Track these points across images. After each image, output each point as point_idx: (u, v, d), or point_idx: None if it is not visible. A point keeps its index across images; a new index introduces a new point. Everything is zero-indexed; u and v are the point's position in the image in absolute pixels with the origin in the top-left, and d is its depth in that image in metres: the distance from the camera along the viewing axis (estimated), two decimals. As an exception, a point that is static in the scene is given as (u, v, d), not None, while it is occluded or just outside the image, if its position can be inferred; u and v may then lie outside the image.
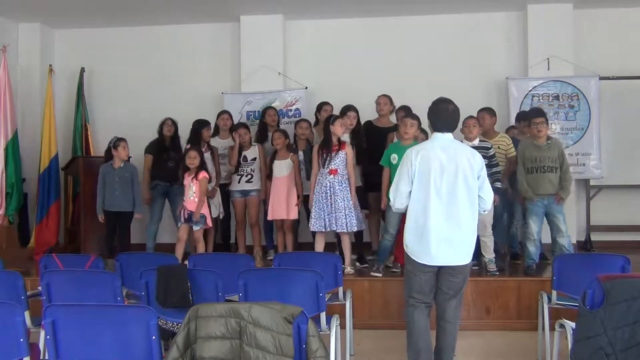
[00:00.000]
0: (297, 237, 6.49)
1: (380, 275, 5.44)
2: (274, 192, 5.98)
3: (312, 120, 6.86)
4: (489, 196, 3.71)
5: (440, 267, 3.65)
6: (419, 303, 3.72)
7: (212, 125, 6.76)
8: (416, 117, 5.45)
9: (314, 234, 5.73)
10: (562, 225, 5.44)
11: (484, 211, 3.78)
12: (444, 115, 3.74)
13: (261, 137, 6.69)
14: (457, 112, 3.77)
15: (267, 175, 6.09)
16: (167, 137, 6.66)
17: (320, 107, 6.70)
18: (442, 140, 3.71)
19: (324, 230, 5.54)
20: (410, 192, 3.66)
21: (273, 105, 7.34)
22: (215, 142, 6.71)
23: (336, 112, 6.33)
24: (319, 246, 5.62)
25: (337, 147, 5.54)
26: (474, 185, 3.63)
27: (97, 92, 8.19)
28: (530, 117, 5.73)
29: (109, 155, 6.34)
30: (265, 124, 6.76)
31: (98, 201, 6.26)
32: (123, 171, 6.27)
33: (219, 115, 6.88)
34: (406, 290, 3.79)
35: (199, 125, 6.47)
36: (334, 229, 5.50)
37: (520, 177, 5.55)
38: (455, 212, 3.58)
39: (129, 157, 6.54)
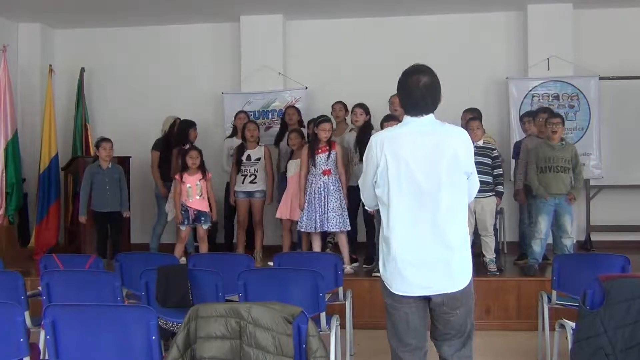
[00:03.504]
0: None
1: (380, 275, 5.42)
2: (287, 192, 6.00)
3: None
4: (475, 190, 2.84)
5: (430, 298, 2.66)
6: (408, 355, 2.73)
7: (228, 126, 6.83)
8: (397, 118, 5.48)
9: (308, 234, 5.77)
10: (568, 226, 5.48)
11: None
12: (415, 92, 2.67)
13: (280, 137, 6.70)
14: (435, 86, 2.69)
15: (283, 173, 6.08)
16: (174, 135, 6.67)
17: (332, 107, 6.65)
18: (418, 125, 2.70)
19: (314, 230, 5.56)
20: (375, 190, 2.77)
21: (279, 103, 7.36)
22: (232, 142, 6.72)
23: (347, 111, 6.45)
24: (316, 246, 5.64)
25: (327, 148, 5.56)
26: (464, 181, 2.71)
27: (97, 92, 8.18)
28: (545, 116, 5.82)
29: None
30: (285, 123, 6.75)
31: (82, 201, 6.25)
32: (112, 172, 6.29)
33: (235, 115, 6.93)
34: (389, 331, 2.78)
35: (186, 125, 6.50)
36: (326, 229, 5.51)
37: (532, 175, 5.57)
38: (442, 222, 2.61)
39: (113, 158, 6.52)
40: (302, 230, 5.69)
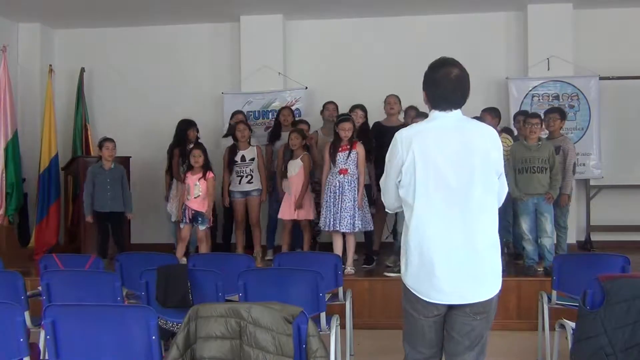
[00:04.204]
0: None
1: (394, 275, 5.39)
2: (287, 192, 5.98)
3: (317, 119, 6.89)
4: (504, 193, 2.69)
5: (451, 305, 2.54)
6: None
7: (226, 126, 6.85)
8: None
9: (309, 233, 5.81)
10: (547, 226, 5.49)
11: None
12: (444, 85, 2.55)
13: (273, 136, 6.71)
14: (466, 79, 2.57)
15: (281, 175, 6.05)
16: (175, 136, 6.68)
17: (324, 106, 6.73)
18: (446, 120, 2.57)
19: (327, 229, 5.57)
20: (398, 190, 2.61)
21: (279, 103, 7.37)
22: (228, 142, 6.73)
23: (339, 111, 6.43)
24: (337, 245, 5.60)
25: (348, 147, 5.54)
26: (495, 182, 2.56)
27: (97, 92, 8.18)
28: (555, 116, 5.83)
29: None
30: (279, 124, 6.77)
31: (86, 202, 6.25)
32: (114, 172, 6.30)
33: (232, 115, 6.91)
34: (404, 334, 2.71)
35: (185, 125, 6.50)
36: (337, 228, 5.49)
37: (509, 178, 5.54)
38: (473, 224, 2.48)
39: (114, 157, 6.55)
40: (323, 229, 5.68)
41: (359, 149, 5.57)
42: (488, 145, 2.55)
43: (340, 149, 5.55)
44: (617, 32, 7.48)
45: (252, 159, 6.25)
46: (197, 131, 6.67)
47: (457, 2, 7.29)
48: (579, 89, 7.29)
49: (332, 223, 5.48)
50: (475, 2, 7.35)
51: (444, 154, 2.50)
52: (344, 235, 5.62)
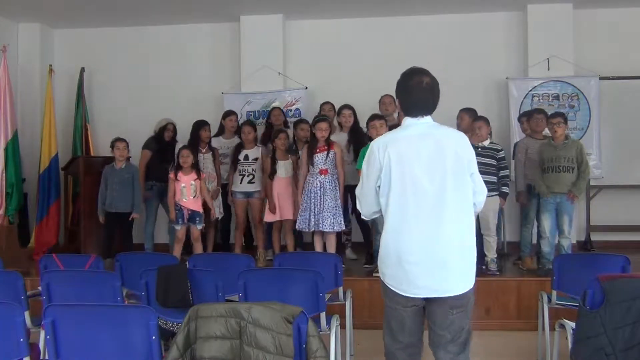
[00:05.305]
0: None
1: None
2: (279, 193, 5.95)
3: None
4: (483, 194, 2.82)
5: (427, 299, 2.72)
6: (401, 352, 2.81)
7: (217, 125, 6.78)
8: (383, 117, 5.54)
9: (312, 234, 5.77)
10: (566, 226, 5.46)
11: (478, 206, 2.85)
12: (417, 93, 2.72)
13: (267, 138, 6.70)
14: (437, 87, 2.74)
15: (269, 175, 5.98)
16: (166, 140, 6.66)
17: (321, 107, 6.74)
18: (418, 127, 2.74)
19: (308, 230, 5.60)
20: (377, 196, 2.76)
21: (277, 105, 7.35)
22: (218, 142, 6.71)
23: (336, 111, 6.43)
24: (318, 246, 5.65)
25: (325, 147, 5.57)
26: (468, 183, 2.72)
27: (97, 92, 8.19)
28: (540, 116, 5.89)
29: None
30: (271, 125, 6.76)
31: (99, 202, 6.28)
32: (123, 172, 6.28)
33: (226, 115, 6.87)
34: (384, 329, 2.86)
35: (197, 126, 6.49)
36: (320, 228, 5.51)
37: (537, 176, 5.59)
38: (446, 225, 2.64)
39: (129, 157, 6.55)
40: (298, 229, 5.70)
41: (337, 149, 5.61)
42: (459, 149, 2.71)
43: (318, 150, 5.58)
44: (617, 32, 7.48)
45: (256, 159, 6.23)
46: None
47: (457, 2, 7.30)
48: (579, 89, 7.29)
49: (313, 223, 5.50)
50: (475, 2, 7.35)
51: (417, 159, 2.68)
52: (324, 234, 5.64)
